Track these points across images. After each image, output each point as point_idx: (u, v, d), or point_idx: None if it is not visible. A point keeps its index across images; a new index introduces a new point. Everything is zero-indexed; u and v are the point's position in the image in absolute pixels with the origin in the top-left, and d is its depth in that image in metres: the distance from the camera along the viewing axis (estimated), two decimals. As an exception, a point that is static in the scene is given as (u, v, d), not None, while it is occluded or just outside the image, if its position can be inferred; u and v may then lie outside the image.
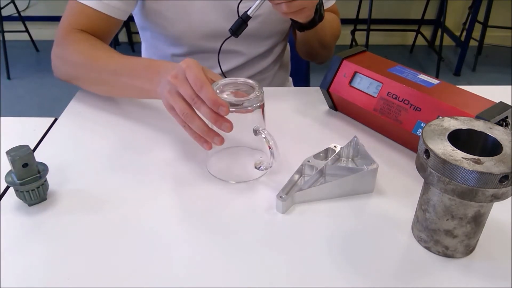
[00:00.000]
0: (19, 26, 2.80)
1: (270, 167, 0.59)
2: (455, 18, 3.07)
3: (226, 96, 0.58)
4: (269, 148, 0.56)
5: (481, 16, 2.61)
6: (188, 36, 0.87)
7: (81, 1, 0.77)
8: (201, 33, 0.86)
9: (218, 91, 0.58)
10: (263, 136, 0.56)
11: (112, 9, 0.79)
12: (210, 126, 0.58)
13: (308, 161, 0.61)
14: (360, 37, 2.82)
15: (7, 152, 0.52)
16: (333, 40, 0.94)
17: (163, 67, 0.65)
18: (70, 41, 0.77)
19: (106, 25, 0.80)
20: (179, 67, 0.58)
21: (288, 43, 1.07)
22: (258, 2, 0.69)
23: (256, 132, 0.57)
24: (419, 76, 0.69)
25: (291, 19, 0.78)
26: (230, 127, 0.55)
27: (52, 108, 2.27)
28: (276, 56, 0.98)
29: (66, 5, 0.80)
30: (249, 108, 0.56)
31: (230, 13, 0.83)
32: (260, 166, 0.59)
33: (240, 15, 0.70)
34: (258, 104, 0.57)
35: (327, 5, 0.93)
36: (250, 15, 0.70)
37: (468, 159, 0.43)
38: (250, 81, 0.59)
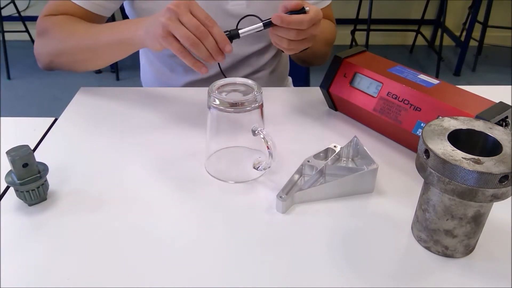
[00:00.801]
0: (19, 26, 2.80)
1: (269, 167, 0.59)
2: (455, 18, 3.07)
3: (224, 96, 0.58)
4: (268, 148, 0.56)
5: (481, 16, 2.61)
6: None
7: None
8: None
9: (216, 91, 0.58)
10: (262, 136, 0.56)
11: (91, 5, 0.78)
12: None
13: (308, 161, 0.61)
14: (360, 37, 2.82)
15: (7, 152, 0.52)
16: (327, 49, 0.93)
17: (145, 18, 0.68)
18: (51, 20, 0.78)
19: (87, 19, 0.79)
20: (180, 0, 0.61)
21: None
22: (254, 27, 0.65)
23: (254, 132, 0.57)
24: (419, 76, 0.69)
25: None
26: (224, 58, 0.63)
27: (52, 108, 2.27)
28: (271, 56, 0.97)
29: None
30: (248, 108, 0.56)
31: (222, 13, 0.83)
32: (259, 166, 0.59)
33: (229, 30, 0.65)
34: (257, 105, 0.57)
35: (319, 7, 0.92)
36: (240, 36, 0.65)
37: (468, 159, 0.43)
38: (249, 81, 0.59)
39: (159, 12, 0.62)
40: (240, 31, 0.65)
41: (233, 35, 0.65)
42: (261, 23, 0.65)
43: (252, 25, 0.66)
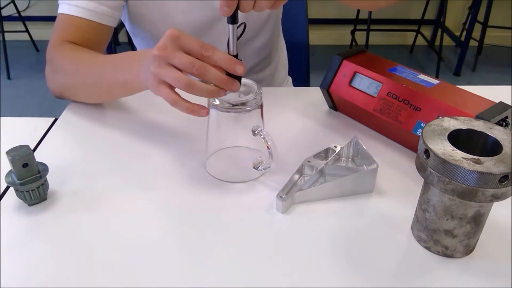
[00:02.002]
0: (19, 26, 2.80)
1: (269, 167, 0.59)
2: (455, 18, 3.07)
3: (224, 96, 0.57)
4: (268, 148, 0.56)
5: (481, 16, 2.61)
6: None
7: (68, 13, 0.75)
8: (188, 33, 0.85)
9: None
10: (262, 136, 0.56)
11: (100, 16, 0.77)
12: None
13: (308, 161, 0.61)
14: (360, 37, 2.82)
15: (7, 152, 0.52)
16: None
17: (144, 54, 0.62)
18: (58, 53, 0.76)
19: (96, 33, 0.78)
20: (166, 38, 0.54)
21: (283, 41, 1.07)
22: (231, 33, 0.54)
23: (254, 132, 0.57)
24: (419, 76, 0.69)
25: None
26: (239, 86, 0.54)
27: (52, 108, 2.26)
28: (266, 54, 0.97)
29: (55, 21, 0.78)
30: (248, 108, 0.56)
31: (215, 11, 0.83)
32: (259, 166, 0.59)
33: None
34: (257, 105, 0.57)
35: None
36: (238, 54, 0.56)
37: (468, 159, 0.43)
38: (249, 81, 0.59)
39: (149, 58, 0.55)
40: (232, 53, 0.56)
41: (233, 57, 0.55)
42: (230, 25, 0.54)
43: (240, 30, 0.57)
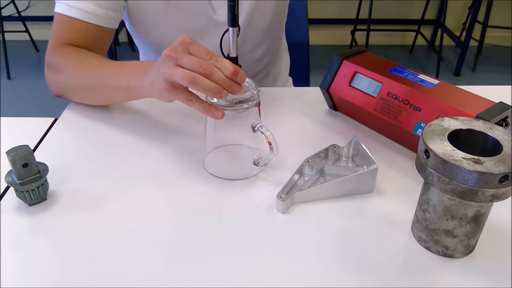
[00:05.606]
0: (19, 26, 2.80)
1: (269, 163, 0.59)
2: (455, 18, 3.07)
3: None
4: (269, 144, 0.56)
5: (481, 16, 2.61)
6: (174, 40, 0.86)
7: (66, 14, 0.74)
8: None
9: None
10: (262, 131, 0.56)
11: (100, 18, 0.75)
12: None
13: (308, 161, 0.61)
14: (360, 37, 2.82)
15: (7, 152, 0.52)
16: None
17: (149, 63, 0.63)
18: (59, 57, 0.75)
19: (97, 36, 0.77)
20: (178, 42, 0.56)
21: (286, 45, 1.07)
22: (231, 37, 0.57)
23: (254, 128, 0.57)
24: (419, 76, 0.69)
25: None
26: (241, 89, 0.56)
27: (52, 108, 2.27)
28: (265, 64, 0.97)
29: (53, 21, 0.76)
30: (245, 106, 0.56)
31: (211, 23, 0.83)
32: (259, 163, 0.59)
33: (227, 57, 0.59)
34: (254, 103, 0.57)
35: None
36: (238, 58, 0.59)
37: (468, 159, 0.43)
38: (247, 79, 0.59)
39: (159, 60, 0.57)
40: (231, 55, 0.58)
41: (233, 59, 0.58)
42: (230, 28, 0.56)
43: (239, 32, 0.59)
